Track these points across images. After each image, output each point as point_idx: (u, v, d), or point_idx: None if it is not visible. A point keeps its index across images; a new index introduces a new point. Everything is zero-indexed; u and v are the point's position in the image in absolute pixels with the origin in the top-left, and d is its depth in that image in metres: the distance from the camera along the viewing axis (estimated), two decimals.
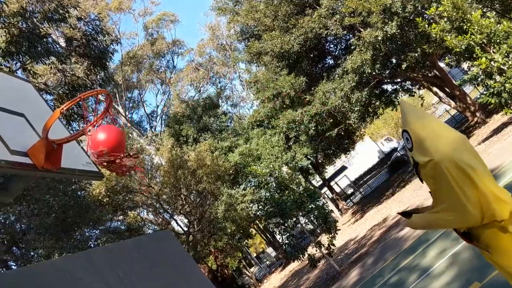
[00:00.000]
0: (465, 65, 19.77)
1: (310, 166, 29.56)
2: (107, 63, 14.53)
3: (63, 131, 3.40)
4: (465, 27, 12.40)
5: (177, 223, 20.25)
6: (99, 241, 15.59)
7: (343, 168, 39.80)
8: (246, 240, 28.09)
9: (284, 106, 23.03)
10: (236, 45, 35.28)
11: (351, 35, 21.43)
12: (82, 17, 14.00)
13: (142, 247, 3.68)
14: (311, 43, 21.13)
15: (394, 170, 31.66)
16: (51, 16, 11.81)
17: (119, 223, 18.82)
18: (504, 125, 15.78)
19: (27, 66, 11.86)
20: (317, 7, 20.42)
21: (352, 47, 19.66)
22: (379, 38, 17.27)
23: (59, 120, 3.31)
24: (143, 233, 17.19)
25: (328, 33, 20.35)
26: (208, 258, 24.25)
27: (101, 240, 15.58)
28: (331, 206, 28.80)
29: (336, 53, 24.88)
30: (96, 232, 16.52)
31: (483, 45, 12.05)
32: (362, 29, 18.68)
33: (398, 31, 17.11)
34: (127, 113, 34.90)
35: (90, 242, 15.09)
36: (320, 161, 31.12)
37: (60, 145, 2.88)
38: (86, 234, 15.71)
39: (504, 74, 11.60)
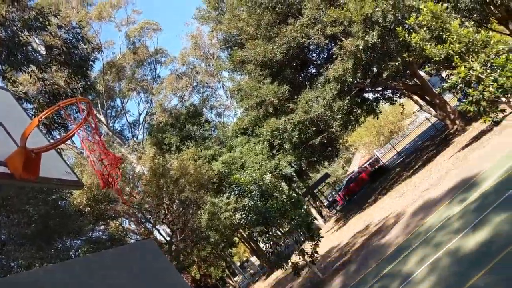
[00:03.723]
0: (444, 74, 20.11)
1: (294, 174, 29.66)
2: (88, 71, 14.39)
3: (42, 140, 3.35)
4: (444, 36, 12.64)
5: (159, 232, 20.08)
6: (80, 251, 15.37)
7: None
8: (230, 249, 27.99)
9: (268, 114, 23.10)
10: (219, 54, 35.36)
11: (333, 44, 21.62)
12: (63, 25, 13.86)
13: (125, 257, 3.64)
14: (293, 52, 21.26)
15: (375, 178, 31.92)
16: (31, 24, 11.68)
17: (100, 233, 18.59)
18: (483, 133, 16.05)
19: (7, 75, 11.69)
20: (299, 16, 20.59)
21: (334, 56, 19.84)
22: (360, 47, 17.47)
23: (38, 129, 3.26)
24: (125, 243, 16.99)
25: (310, 42, 20.54)
26: (192, 268, 24.09)
27: (82, 250, 15.38)
28: (314, 213, 28.90)
29: (319, 62, 25.07)
30: (77, 242, 16.30)
31: (461, 54, 12.28)
32: (343, 38, 18.87)
33: (379, 40, 17.34)
34: (109, 122, 34.59)
35: (71, 252, 14.88)
36: (304, 168, 31.22)
37: (39, 154, 2.84)
38: (67, 244, 15.48)
39: (482, 83, 11.83)
